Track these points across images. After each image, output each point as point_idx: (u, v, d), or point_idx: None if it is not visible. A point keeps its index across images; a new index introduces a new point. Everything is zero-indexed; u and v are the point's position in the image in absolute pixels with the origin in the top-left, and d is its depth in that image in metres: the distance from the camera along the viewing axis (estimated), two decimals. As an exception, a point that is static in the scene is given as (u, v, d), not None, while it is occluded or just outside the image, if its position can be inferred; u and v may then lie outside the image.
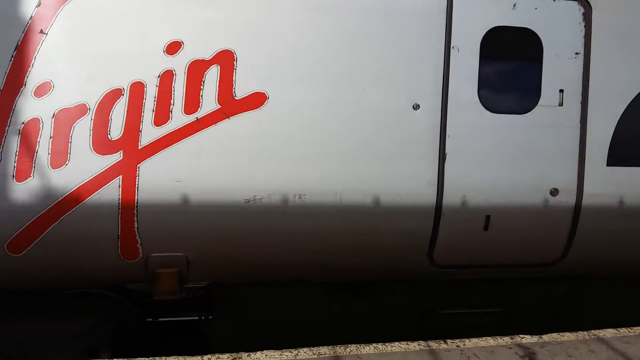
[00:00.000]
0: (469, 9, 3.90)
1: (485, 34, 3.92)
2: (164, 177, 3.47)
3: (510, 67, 4.17)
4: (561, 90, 4.07)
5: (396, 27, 3.80)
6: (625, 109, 4.20)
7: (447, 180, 3.90)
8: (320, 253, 3.90)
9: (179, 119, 3.49)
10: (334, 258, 3.96)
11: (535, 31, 4.01)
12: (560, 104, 4.08)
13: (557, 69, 4.07)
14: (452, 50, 3.86)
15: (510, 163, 4.01)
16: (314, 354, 3.87)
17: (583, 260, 4.45)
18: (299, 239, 3.79)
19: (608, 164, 4.21)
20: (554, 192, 4.11)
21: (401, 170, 3.82)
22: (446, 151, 3.89)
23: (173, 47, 3.53)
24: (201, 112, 3.52)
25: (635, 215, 4.35)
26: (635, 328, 4.71)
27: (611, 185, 4.25)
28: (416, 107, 3.82)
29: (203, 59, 3.54)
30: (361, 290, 4.42)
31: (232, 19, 3.60)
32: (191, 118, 3.51)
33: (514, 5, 3.95)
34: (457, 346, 4.15)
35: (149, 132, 3.45)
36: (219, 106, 3.54)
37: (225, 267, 3.85)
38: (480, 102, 3.93)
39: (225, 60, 3.57)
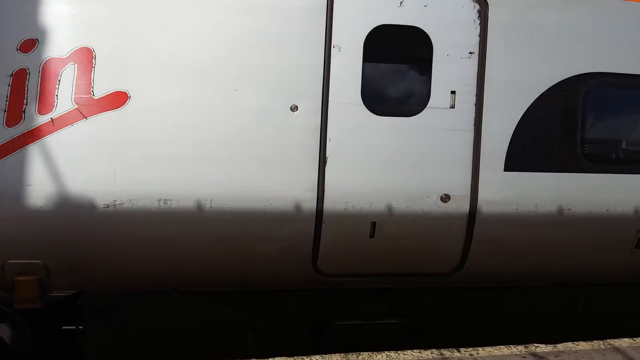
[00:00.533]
0: (351, 6, 3.72)
1: (369, 32, 3.73)
2: (16, 180, 3.32)
3: (397, 68, 4.00)
4: (453, 92, 3.85)
5: (273, 25, 3.64)
6: (525, 112, 3.97)
7: (328, 185, 3.70)
8: (192, 261, 3.71)
9: (32, 119, 3.35)
10: (209, 266, 3.76)
11: (424, 29, 3.80)
12: (452, 106, 3.85)
13: (449, 70, 3.84)
14: (332, 50, 3.68)
15: (397, 167, 3.80)
16: (325, 361, 3.86)
17: (486, 269, 4.21)
18: (165, 246, 3.60)
19: (506, 169, 3.95)
20: (445, 198, 3.87)
21: (278, 174, 3.63)
22: (327, 155, 3.68)
23: (27, 45, 3.41)
24: (56, 113, 3.37)
25: (536, 222, 4.09)
26: (649, 337, 4.66)
27: (510, 191, 3.99)
28: (294, 108, 3.64)
29: (59, 57, 3.41)
30: (245, 299, 4.17)
31: (91, 16, 3.47)
32: (45, 118, 3.37)
33: (401, 2, 3.78)
34: (471, 355, 4.13)
35: (1, 133, 3.32)
36: (75, 106, 3.39)
37: (92, 275, 3.67)
38: (364, 104, 3.73)
39: (83, 58, 3.42)
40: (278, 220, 3.66)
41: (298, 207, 3.65)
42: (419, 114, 3.82)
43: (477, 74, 3.87)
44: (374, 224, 3.80)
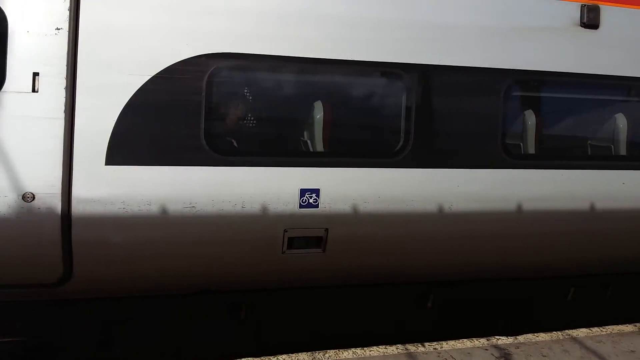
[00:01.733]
0: None
1: None
2: None
3: None
4: (36, 74, 3.39)
5: None
6: (132, 97, 3.54)
7: None
8: None
9: None
10: None
11: None
12: (35, 90, 3.40)
13: (29, 48, 3.39)
14: None
15: None
16: (291, 361, 3.88)
17: (108, 277, 3.77)
18: None
19: (108, 163, 3.52)
20: (29, 197, 3.40)
21: None
22: None
23: None
24: None
25: (150, 222, 3.66)
26: (606, 327, 4.82)
27: (114, 188, 3.55)
28: None
29: None
30: None
31: None
32: None
33: None
34: (435, 349, 4.21)
35: None
36: None
37: None
38: None
39: None
40: None
41: None
42: None
43: (68, 53, 3.43)
44: None
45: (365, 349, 4.12)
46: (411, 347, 4.19)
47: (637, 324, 4.88)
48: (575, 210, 4.56)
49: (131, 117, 3.53)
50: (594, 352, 4.28)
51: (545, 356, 4.17)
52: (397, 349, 4.15)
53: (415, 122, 4.19)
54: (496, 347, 4.31)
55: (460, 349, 4.23)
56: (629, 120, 4.86)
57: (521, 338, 4.48)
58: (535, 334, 4.56)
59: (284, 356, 3.96)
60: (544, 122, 4.70)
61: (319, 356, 3.94)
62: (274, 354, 3.95)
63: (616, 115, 4.91)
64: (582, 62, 4.57)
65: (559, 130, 4.96)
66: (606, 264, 4.99)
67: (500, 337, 4.48)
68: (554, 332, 4.63)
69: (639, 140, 4.92)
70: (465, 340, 4.42)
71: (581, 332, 4.67)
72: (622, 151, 4.85)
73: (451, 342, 4.35)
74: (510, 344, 4.38)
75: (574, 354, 4.25)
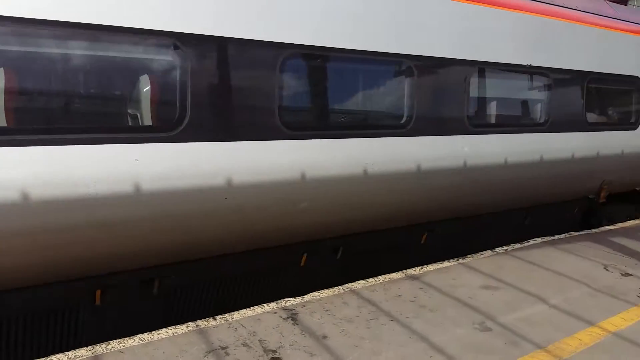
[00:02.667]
0: None
1: None
2: None
3: None
4: None
5: None
6: None
7: None
8: None
9: None
10: None
11: None
12: None
13: None
14: None
15: None
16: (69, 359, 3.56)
17: None
18: None
19: None
20: None
21: None
22: None
23: None
24: None
25: None
26: (380, 277, 5.45)
27: None
28: None
29: None
30: None
31: None
32: None
33: None
34: (226, 320, 4.27)
35: None
36: None
37: None
38: None
39: None
40: None
41: None
42: None
43: None
44: None
45: (152, 333, 3.98)
46: (202, 323, 4.17)
47: (405, 271, 5.60)
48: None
49: None
50: (369, 301, 4.79)
51: (327, 310, 4.53)
52: (187, 327, 4.10)
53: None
54: (284, 309, 4.55)
55: (250, 317, 4.35)
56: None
57: (307, 297, 4.80)
58: (320, 292, 4.93)
59: (59, 355, 3.61)
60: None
61: (99, 349, 3.69)
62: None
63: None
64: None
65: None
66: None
67: (289, 299, 4.73)
68: (337, 287, 5.06)
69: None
70: (256, 307, 4.57)
71: (359, 284, 5.18)
72: None
73: (242, 311, 4.45)
74: (297, 303, 4.66)
75: (352, 304, 4.69)
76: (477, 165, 6.19)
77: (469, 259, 6.08)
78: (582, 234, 7.42)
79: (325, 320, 4.35)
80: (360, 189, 5.27)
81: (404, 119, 5.56)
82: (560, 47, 7.04)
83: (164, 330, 4.03)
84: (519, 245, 6.71)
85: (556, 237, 7.18)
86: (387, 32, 5.28)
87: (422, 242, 6.49)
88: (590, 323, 4.53)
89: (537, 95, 7.15)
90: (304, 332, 4.12)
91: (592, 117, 7.74)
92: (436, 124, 5.82)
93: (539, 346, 4.09)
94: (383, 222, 5.85)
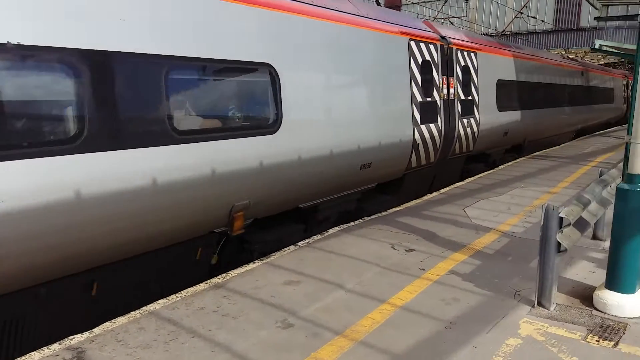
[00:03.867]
0: None
1: None
2: None
3: None
4: None
5: None
6: None
7: None
8: None
9: None
10: None
11: None
12: None
13: None
14: None
15: None
16: None
17: None
18: None
19: None
20: None
21: None
22: None
23: None
24: None
25: None
26: (182, 292, 5.16)
27: None
28: None
29: None
30: None
31: None
32: None
33: None
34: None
35: None
36: None
37: None
38: None
39: None
40: None
41: None
42: None
43: None
44: None
45: None
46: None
47: (209, 281, 5.40)
48: None
49: None
50: (169, 320, 4.48)
51: (120, 341, 4.12)
52: None
53: None
54: (69, 348, 4.00)
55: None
56: None
57: (97, 330, 4.30)
58: (113, 321, 4.46)
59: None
60: None
61: None
62: None
63: None
64: None
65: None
66: None
67: (75, 336, 4.19)
68: (132, 313, 4.63)
69: None
70: (33, 353, 3.94)
71: (159, 304, 4.82)
72: None
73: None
74: (85, 339, 4.14)
75: (149, 328, 4.34)
76: None
77: (273, 257, 6.13)
78: (374, 218, 8.07)
79: (118, 352, 3.94)
80: None
81: None
82: None
83: None
84: (319, 236, 7.01)
85: (352, 224, 7.68)
86: None
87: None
88: (382, 301, 4.90)
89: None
90: (91, 372, 3.66)
91: (192, 121, 5.54)
92: None
93: (337, 332, 4.27)
94: None
